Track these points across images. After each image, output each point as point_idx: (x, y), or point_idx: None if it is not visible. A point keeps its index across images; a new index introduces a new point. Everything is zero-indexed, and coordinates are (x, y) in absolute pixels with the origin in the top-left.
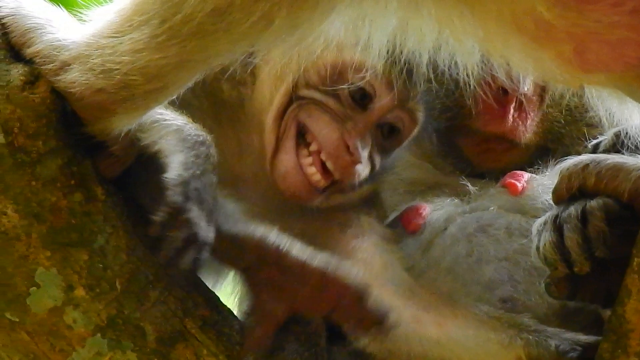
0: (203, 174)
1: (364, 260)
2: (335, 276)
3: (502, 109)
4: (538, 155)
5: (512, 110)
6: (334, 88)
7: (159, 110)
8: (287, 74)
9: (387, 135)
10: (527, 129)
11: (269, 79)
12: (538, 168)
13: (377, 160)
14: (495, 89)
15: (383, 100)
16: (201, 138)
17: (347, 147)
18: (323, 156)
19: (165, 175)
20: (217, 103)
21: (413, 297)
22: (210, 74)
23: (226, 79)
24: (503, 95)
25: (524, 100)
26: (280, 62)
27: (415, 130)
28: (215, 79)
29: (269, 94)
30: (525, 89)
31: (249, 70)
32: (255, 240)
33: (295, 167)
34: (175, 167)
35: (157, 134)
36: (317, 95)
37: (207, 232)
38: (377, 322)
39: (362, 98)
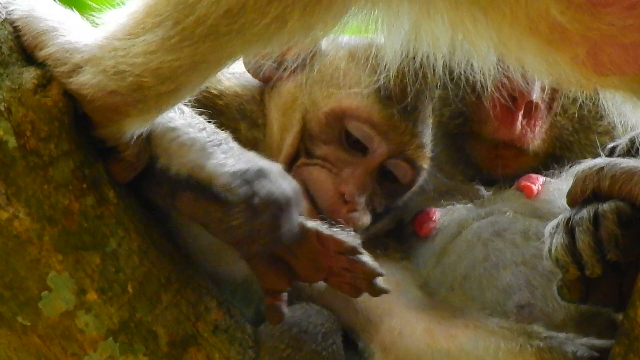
0: (239, 158)
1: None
2: (328, 234)
3: (510, 115)
4: (547, 163)
5: (520, 117)
6: (332, 136)
7: (171, 125)
8: (292, 124)
9: (389, 181)
10: (536, 136)
11: (277, 127)
12: (553, 172)
13: (380, 203)
14: (504, 95)
15: (380, 147)
16: (220, 135)
17: (343, 195)
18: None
19: (216, 185)
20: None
21: (426, 311)
22: (231, 113)
23: (243, 118)
24: (512, 102)
25: (532, 107)
26: (285, 109)
27: (420, 177)
28: (232, 118)
29: (277, 143)
30: (534, 97)
31: (262, 112)
32: (246, 209)
33: (311, 212)
34: (217, 175)
35: (180, 158)
36: (318, 150)
37: (285, 191)
38: (369, 278)
39: (359, 143)
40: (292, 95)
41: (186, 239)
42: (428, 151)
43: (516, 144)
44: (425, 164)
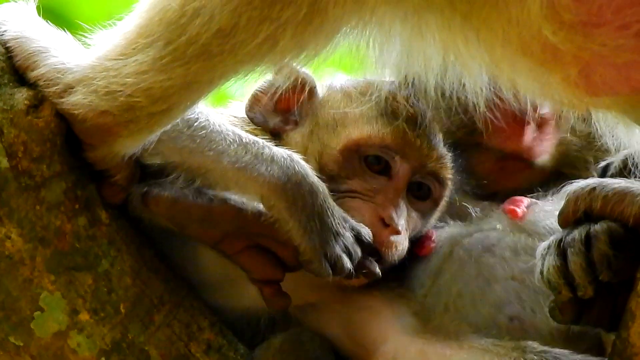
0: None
1: (375, 308)
2: None
3: (521, 127)
4: (550, 180)
5: (529, 130)
6: (353, 170)
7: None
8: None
9: (421, 197)
10: (544, 150)
11: None
12: (539, 194)
13: (418, 223)
14: (515, 108)
15: (402, 166)
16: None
17: (383, 220)
18: None
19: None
20: None
21: (419, 335)
22: None
23: None
24: (522, 115)
25: (543, 121)
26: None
27: (446, 189)
28: None
29: None
30: (545, 110)
31: None
32: (231, 207)
33: None
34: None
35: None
36: (343, 187)
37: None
38: (369, 278)
39: (381, 166)
40: (302, 146)
41: (187, 269)
42: (448, 162)
43: (524, 156)
44: (449, 175)
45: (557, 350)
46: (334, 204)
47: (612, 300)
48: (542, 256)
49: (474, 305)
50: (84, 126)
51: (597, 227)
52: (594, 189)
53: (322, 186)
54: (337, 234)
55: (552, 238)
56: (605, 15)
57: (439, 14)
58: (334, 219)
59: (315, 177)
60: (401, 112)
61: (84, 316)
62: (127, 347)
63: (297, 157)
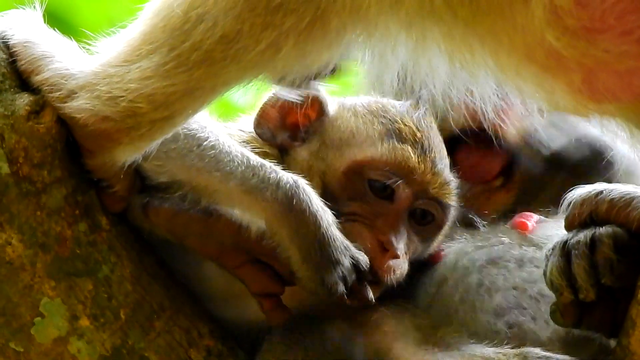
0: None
1: (378, 321)
2: None
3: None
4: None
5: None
6: (356, 192)
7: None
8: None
9: (423, 222)
10: (508, 127)
11: None
12: (549, 211)
13: (418, 247)
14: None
15: (404, 191)
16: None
17: (382, 244)
18: None
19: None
20: None
21: (422, 347)
22: None
23: None
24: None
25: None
26: (302, 177)
27: (449, 214)
28: None
29: None
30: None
31: None
32: (232, 224)
33: None
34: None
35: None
36: (345, 208)
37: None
38: (362, 304)
39: (384, 190)
40: (307, 163)
41: (189, 278)
42: (453, 188)
43: (488, 130)
44: (452, 201)
45: (559, 356)
46: (337, 231)
47: (614, 306)
48: (546, 257)
49: (474, 312)
50: (85, 131)
51: (602, 231)
52: (600, 192)
53: (326, 214)
54: (336, 263)
55: (557, 240)
56: (608, 21)
57: (441, 23)
58: (335, 248)
59: (320, 204)
60: (408, 136)
61: (84, 322)
62: (127, 353)
63: (303, 182)
